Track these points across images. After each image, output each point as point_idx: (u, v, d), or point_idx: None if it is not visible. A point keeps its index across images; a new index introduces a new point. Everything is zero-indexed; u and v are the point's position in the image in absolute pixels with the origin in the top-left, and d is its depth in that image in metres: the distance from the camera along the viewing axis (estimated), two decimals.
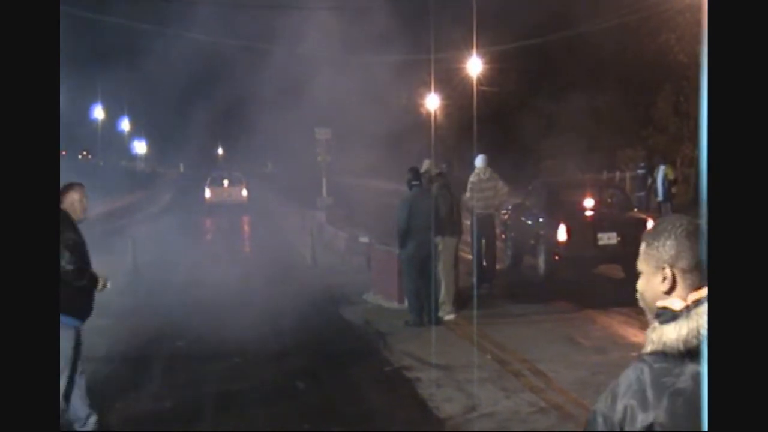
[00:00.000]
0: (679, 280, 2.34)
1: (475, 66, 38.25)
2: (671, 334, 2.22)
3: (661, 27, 31.17)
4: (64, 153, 63.24)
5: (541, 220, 15.82)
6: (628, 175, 32.96)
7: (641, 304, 2.45)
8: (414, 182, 11.83)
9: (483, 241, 14.46)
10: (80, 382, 6.85)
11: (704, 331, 2.18)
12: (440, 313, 11.76)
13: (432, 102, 42.94)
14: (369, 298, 13.63)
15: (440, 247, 11.90)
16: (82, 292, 6.60)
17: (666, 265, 2.38)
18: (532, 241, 15.91)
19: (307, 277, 16.49)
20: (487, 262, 14.88)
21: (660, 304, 2.34)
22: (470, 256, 14.66)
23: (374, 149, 32.99)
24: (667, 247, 2.40)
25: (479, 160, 14.66)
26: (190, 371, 9.40)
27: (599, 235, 14.59)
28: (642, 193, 27.11)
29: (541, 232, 15.48)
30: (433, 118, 37.64)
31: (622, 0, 29.46)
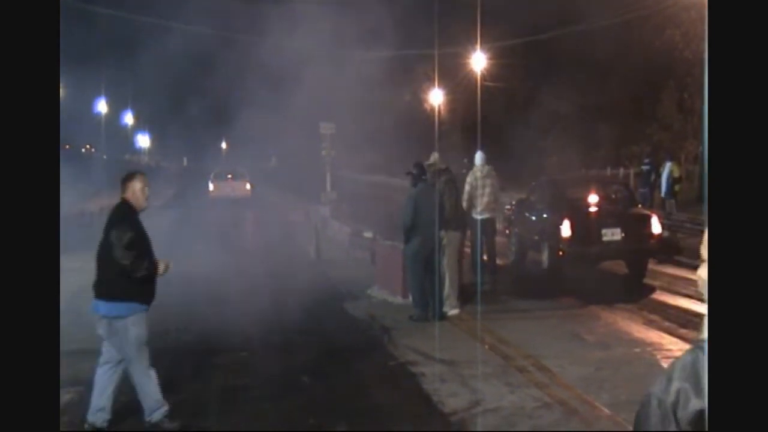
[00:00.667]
0: None
1: (479, 62, 38.23)
2: None
3: (666, 23, 31.14)
4: (67, 146, 63.29)
5: (545, 215, 15.82)
6: (632, 171, 32.94)
7: (701, 290, 2.42)
8: (422, 177, 11.81)
9: (483, 238, 14.56)
10: (150, 372, 7.05)
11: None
12: (444, 308, 11.76)
13: (436, 97, 42.92)
14: (373, 293, 13.64)
15: (444, 242, 11.90)
16: (143, 278, 6.87)
17: None
18: (537, 237, 15.91)
19: (311, 271, 16.49)
20: (488, 256, 14.94)
21: None
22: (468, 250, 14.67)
23: (378, 144, 32.99)
24: None
25: (478, 158, 14.67)
26: (195, 365, 9.42)
27: (603, 231, 14.58)
28: (645, 189, 27.10)
29: (546, 228, 15.49)
30: (436, 113, 37.63)
31: None
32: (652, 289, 13.75)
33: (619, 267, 15.54)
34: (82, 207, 27.87)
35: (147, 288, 6.97)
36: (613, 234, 14.61)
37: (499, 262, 15.72)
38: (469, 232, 13.74)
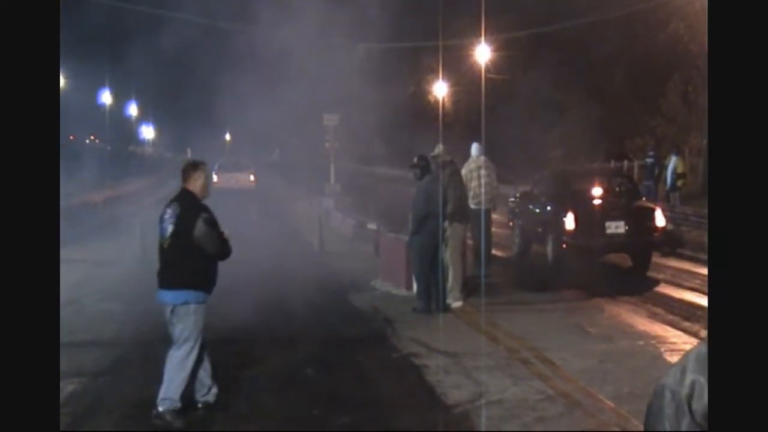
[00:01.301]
0: None
1: (483, 53, 38.15)
2: None
3: (671, 16, 31.05)
4: (71, 137, 63.36)
5: (549, 208, 15.81)
6: (636, 164, 32.88)
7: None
8: (429, 169, 11.75)
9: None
10: (187, 364, 7.17)
11: None
12: (448, 300, 11.75)
13: (440, 89, 42.86)
14: (377, 284, 13.64)
15: (448, 234, 11.88)
16: (213, 265, 7.23)
17: None
18: (540, 230, 15.91)
19: (315, 263, 16.51)
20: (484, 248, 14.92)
21: None
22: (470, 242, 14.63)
23: (382, 136, 32.95)
24: None
25: (474, 149, 14.56)
26: None
27: (607, 224, 14.57)
28: (650, 182, 27.04)
29: (549, 221, 15.48)
30: (441, 106, 37.59)
31: None
32: (656, 282, 13.74)
33: (623, 260, 15.53)
34: (84, 198, 27.88)
35: (211, 276, 7.27)
36: (617, 227, 14.60)
37: (501, 254, 15.70)
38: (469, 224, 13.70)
